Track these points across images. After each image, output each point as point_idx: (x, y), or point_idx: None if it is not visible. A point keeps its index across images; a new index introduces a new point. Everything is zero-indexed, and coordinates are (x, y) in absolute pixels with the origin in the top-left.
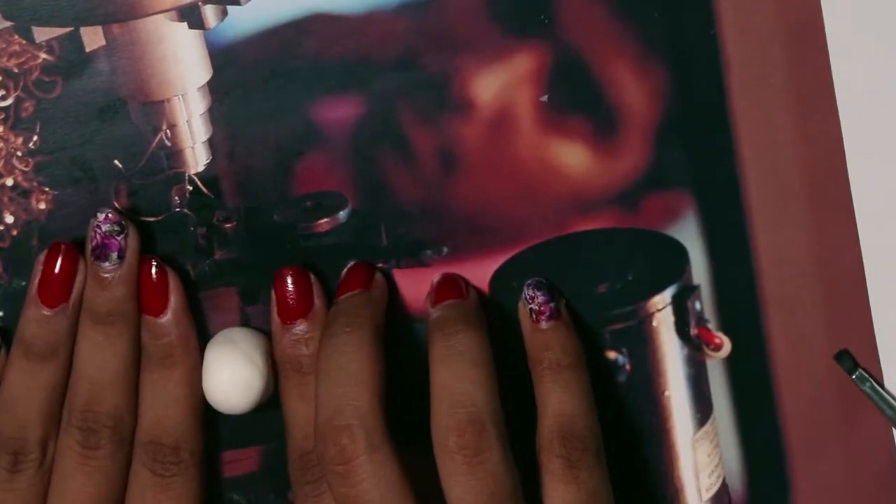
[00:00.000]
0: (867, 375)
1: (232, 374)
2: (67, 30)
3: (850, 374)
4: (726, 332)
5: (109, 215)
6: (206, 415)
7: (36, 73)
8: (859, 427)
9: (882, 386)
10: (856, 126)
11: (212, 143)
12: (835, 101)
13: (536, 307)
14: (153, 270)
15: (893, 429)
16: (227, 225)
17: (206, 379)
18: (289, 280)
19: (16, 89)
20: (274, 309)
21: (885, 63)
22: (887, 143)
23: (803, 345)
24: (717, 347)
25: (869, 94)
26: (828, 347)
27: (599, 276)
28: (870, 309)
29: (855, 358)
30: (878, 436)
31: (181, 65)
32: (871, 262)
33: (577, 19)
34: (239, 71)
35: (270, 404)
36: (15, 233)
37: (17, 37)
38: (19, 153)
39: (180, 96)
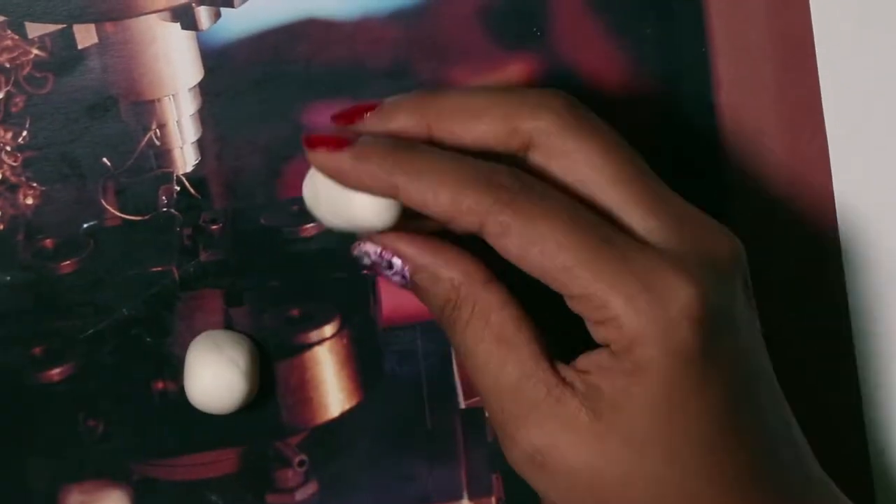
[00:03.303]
0: None
1: (214, 376)
2: (60, 27)
3: None
4: None
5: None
6: (188, 415)
7: (27, 69)
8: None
9: None
10: (844, 146)
11: (201, 144)
12: (823, 119)
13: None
14: None
15: None
16: (214, 226)
17: (189, 380)
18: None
19: (7, 84)
20: None
21: (875, 84)
22: (874, 164)
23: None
24: None
25: (857, 114)
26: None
27: None
28: (852, 335)
29: None
30: (856, 457)
31: (173, 65)
32: (853, 280)
33: (570, 33)
34: (230, 73)
35: (251, 406)
36: (1, 227)
37: (9, 32)
38: (8, 148)
39: (171, 96)
